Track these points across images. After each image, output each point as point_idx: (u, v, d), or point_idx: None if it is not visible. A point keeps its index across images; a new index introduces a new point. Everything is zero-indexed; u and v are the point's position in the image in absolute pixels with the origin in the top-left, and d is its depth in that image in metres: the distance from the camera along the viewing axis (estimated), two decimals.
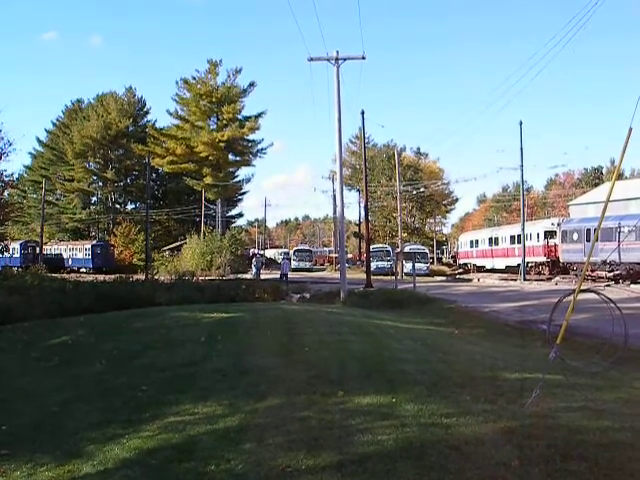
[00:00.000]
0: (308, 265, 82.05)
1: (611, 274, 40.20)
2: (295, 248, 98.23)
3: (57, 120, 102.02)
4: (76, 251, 77.44)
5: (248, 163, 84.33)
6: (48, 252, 78.75)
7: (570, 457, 5.57)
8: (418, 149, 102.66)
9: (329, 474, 5.40)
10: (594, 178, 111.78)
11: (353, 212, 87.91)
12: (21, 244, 77.14)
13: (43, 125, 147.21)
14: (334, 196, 73.76)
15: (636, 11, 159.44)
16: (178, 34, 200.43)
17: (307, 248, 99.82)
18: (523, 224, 49.95)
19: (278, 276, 47.18)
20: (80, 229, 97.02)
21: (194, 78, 79.94)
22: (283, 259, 60.55)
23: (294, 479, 5.38)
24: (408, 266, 51.64)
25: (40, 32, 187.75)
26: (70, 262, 76.13)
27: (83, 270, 72.04)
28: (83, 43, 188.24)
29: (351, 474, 5.39)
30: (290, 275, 52.58)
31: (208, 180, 77.20)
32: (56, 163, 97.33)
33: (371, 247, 51.08)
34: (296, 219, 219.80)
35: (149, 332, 14.53)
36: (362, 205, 58.02)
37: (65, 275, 49.89)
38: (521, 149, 48.53)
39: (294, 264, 78.68)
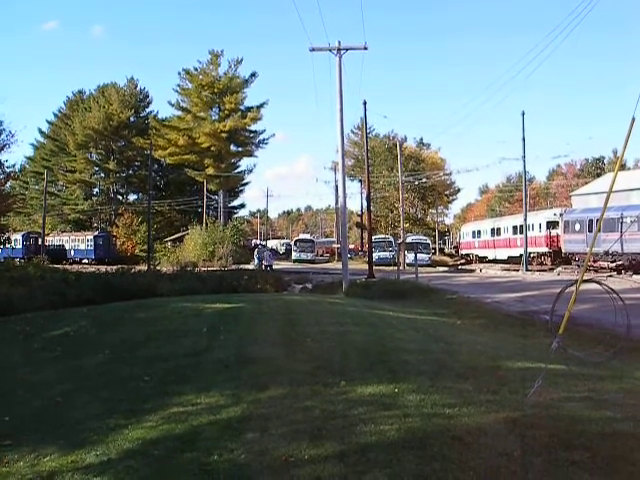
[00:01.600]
0: (310, 256, 74.83)
1: (613, 264, 40.24)
2: (296, 238, 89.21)
3: (59, 111, 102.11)
4: (78, 242, 77.46)
5: (250, 154, 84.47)
6: (50, 243, 78.82)
7: (572, 447, 5.58)
8: (421, 140, 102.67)
9: (332, 464, 5.42)
10: (596, 168, 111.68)
11: (355, 202, 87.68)
12: (23, 235, 77.14)
13: (45, 116, 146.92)
14: (336, 187, 73.65)
15: (639, 1, 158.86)
16: (180, 25, 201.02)
17: (309, 238, 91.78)
18: (525, 215, 49.89)
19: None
20: (82, 220, 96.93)
21: (196, 69, 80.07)
22: (268, 250, 57.88)
23: (297, 469, 5.39)
24: (410, 257, 51.69)
25: (41, 22, 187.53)
26: (72, 253, 76.16)
27: (85, 261, 72.15)
28: (85, 33, 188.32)
29: (354, 464, 5.39)
30: (292, 266, 52.56)
31: (210, 171, 77.25)
32: (58, 154, 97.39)
33: (373, 238, 51.04)
34: (298, 210, 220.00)
35: (151, 323, 14.55)
36: (364, 196, 57.89)
37: (67, 266, 49.89)
38: (523, 139, 48.52)
39: (295, 255, 75.33)
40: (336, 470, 5.30)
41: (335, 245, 79.66)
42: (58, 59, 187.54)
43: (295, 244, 79.60)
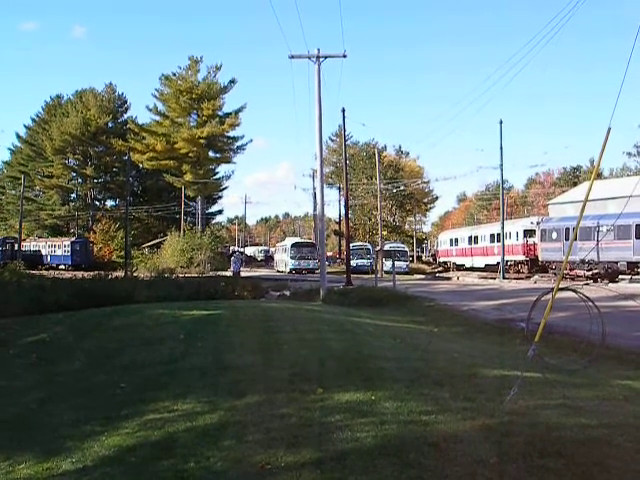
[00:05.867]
0: (312, 264, 60.71)
1: (589, 273, 40.60)
2: (294, 241, 70.71)
3: (36, 116, 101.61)
4: (55, 248, 76.93)
5: (228, 160, 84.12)
6: (27, 249, 78.14)
7: (548, 454, 5.61)
8: (399, 147, 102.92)
9: (308, 471, 5.41)
10: (573, 177, 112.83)
11: (333, 210, 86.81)
12: None
13: (22, 120, 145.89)
14: (314, 194, 73.58)
15: (615, 12, 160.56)
16: (160, 31, 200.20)
17: (310, 241, 74.92)
18: (502, 223, 50.21)
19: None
20: (59, 226, 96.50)
21: (175, 74, 79.72)
22: (234, 257, 52.91)
23: (273, 476, 5.38)
24: (388, 264, 51.79)
25: (19, 22, 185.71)
26: (49, 259, 75.54)
27: (62, 267, 71.51)
28: (64, 36, 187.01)
29: (330, 471, 5.39)
30: (270, 273, 52.28)
31: (188, 177, 76.93)
32: (35, 159, 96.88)
33: (351, 245, 51.01)
34: (276, 217, 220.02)
35: (128, 330, 14.48)
36: (343, 203, 57.78)
37: (44, 272, 49.42)
38: (501, 148, 48.81)
39: (292, 264, 63.11)
40: (313, 477, 5.30)
41: None
42: (37, 62, 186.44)
43: (291, 249, 65.11)
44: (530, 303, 8.90)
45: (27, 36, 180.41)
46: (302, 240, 75.77)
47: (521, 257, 52.81)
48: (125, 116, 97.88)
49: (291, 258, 63.71)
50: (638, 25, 7.75)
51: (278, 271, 66.67)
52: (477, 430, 6.37)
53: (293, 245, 66.31)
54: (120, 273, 43.01)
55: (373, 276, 40.15)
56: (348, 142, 79.45)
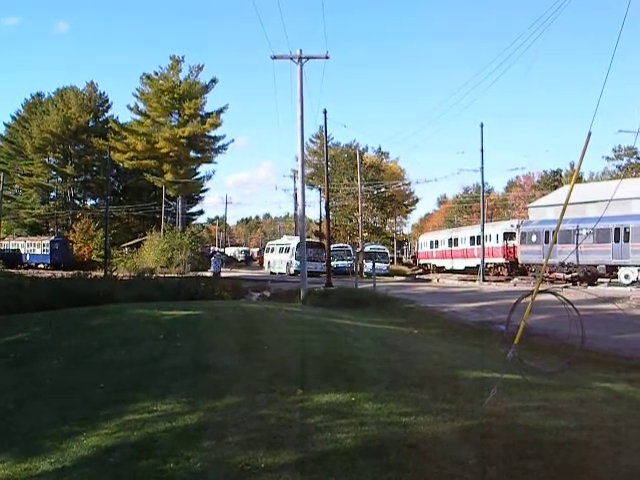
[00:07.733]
0: (319, 267, 53.89)
1: (569, 276, 40.87)
2: (299, 240, 54.52)
3: (17, 114, 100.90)
4: (34, 247, 76.53)
5: (209, 160, 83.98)
6: (5, 247, 77.84)
7: (527, 456, 5.64)
8: (379, 149, 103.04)
9: (288, 472, 5.40)
10: (553, 181, 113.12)
11: (314, 211, 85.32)
12: None
13: (2, 118, 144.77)
14: (295, 195, 73.47)
15: (600, 16, 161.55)
16: (142, 31, 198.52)
17: (317, 242, 66.36)
18: (483, 225, 50.48)
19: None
20: (38, 224, 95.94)
21: (156, 74, 79.45)
22: (215, 258, 51.52)
23: (253, 477, 5.37)
24: (368, 266, 51.81)
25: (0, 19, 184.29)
26: (28, 258, 75.19)
27: (41, 266, 71.14)
28: (47, 34, 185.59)
29: (310, 472, 5.39)
30: (250, 274, 52.11)
31: (169, 177, 76.67)
32: (15, 157, 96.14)
33: (332, 246, 50.86)
34: (257, 217, 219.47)
35: (107, 329, 14.40)
36: (323, 204, 57.38)
37: (22, 271, 49.29)
38: (482, 151, 49.08)
39: (297, 265, 51.62)
40: (293, 478, 5.29)
41: None
42: (17, 58, 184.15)
43: (297, 249, 53.90)
44: (510, 305, 8.93)
45: (8, 32, 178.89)
46: (310, 240, 64.25)
47: (501, 260, 53.04)
48: (106, 115, 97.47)
49: (297, 259, 54.21)
50: (619, 30, 7.82)
51: (272, 272, 62.52)
52: (457, 432, 6.40)
53: (299, 244, 50.91)
54: (100, 272, 42.89)
55: (353, 277, 40.22)
56: (329, 143, 79.45)
